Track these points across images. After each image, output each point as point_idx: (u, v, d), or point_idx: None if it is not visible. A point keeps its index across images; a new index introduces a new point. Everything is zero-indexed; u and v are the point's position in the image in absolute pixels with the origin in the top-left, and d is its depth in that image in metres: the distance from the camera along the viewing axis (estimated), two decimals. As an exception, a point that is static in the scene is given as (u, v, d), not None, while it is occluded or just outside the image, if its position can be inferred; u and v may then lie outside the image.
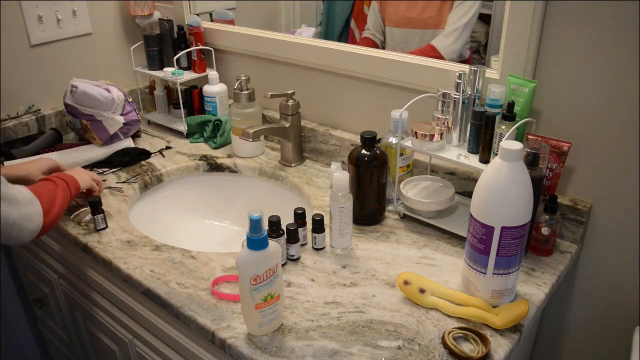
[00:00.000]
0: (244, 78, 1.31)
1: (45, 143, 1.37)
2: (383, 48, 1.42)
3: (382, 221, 1.10)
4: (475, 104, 1.00)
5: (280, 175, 1.29)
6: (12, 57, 1.39)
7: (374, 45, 1.45)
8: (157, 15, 1.56)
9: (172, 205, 1.33)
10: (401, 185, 1.09)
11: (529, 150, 0.88)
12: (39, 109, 1.47)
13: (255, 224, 0.74)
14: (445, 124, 1.00)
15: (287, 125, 1.27)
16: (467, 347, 0.79)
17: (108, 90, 1.31)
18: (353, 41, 1.50)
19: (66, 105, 1.32)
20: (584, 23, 0.89)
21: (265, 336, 0.82)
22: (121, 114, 1.34)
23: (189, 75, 1.46)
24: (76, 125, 1.33)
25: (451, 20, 1.29)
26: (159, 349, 1.04)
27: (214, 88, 1.43)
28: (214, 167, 1.36)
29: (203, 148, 1.42)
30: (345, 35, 1.55)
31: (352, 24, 1.53)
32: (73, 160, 1.30)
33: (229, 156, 1.37)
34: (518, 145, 0.76)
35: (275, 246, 0.78)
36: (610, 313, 1.05)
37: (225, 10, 1.58)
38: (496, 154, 0.83)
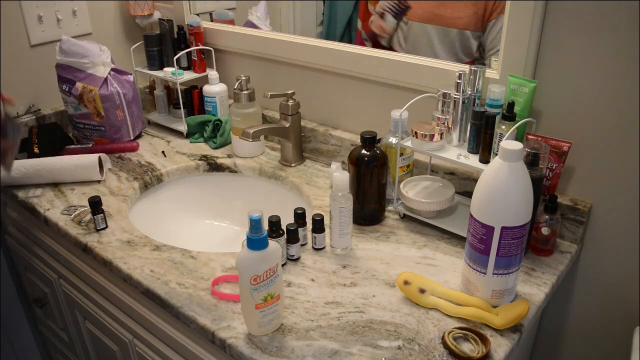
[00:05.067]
0: (244, 78, 1.30)
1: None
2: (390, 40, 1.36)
3: (382, 221, 1.10)
4: (475, 104, 1.00)
5: (280, 175, 1.29)
6: (12, 57, 1.39)
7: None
8: (157, 15, 1.56)
9: (172, 205, 1.33)
10: (401, 185, 1.09)
11: (529, 150, 0.88)
12: (39, 109, 1.47)
13: (255, 224, 0.74)
14: (445, 124, 0.99)
15: (287, 125, 1.27)
16: (467, 347, 0.79)
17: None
18: (359, 42, 1.48)
19: (58, 68, 1.32)
20: (584, 23, 0.89)
21: (265, 336, 0.82)
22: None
23: (189, 75, 1.46)
24: (72, 100, 1.32)
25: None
26: (159, 349, 1.04)
27: (214, 88, 1.43)
28: (214, 167, 1.36)
29: (203, 148, 1.42)
30: (347, 36, 1.54)
31: (359, 24, 1.52)
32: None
33: (229, 156, 1.37)
34: (518, 145, 0.76)
35: (275, 246, 0.78)
36: (610, 313, 1.05)
37: (225, 10, 1.58)
38: (496, 154, 0.83)
